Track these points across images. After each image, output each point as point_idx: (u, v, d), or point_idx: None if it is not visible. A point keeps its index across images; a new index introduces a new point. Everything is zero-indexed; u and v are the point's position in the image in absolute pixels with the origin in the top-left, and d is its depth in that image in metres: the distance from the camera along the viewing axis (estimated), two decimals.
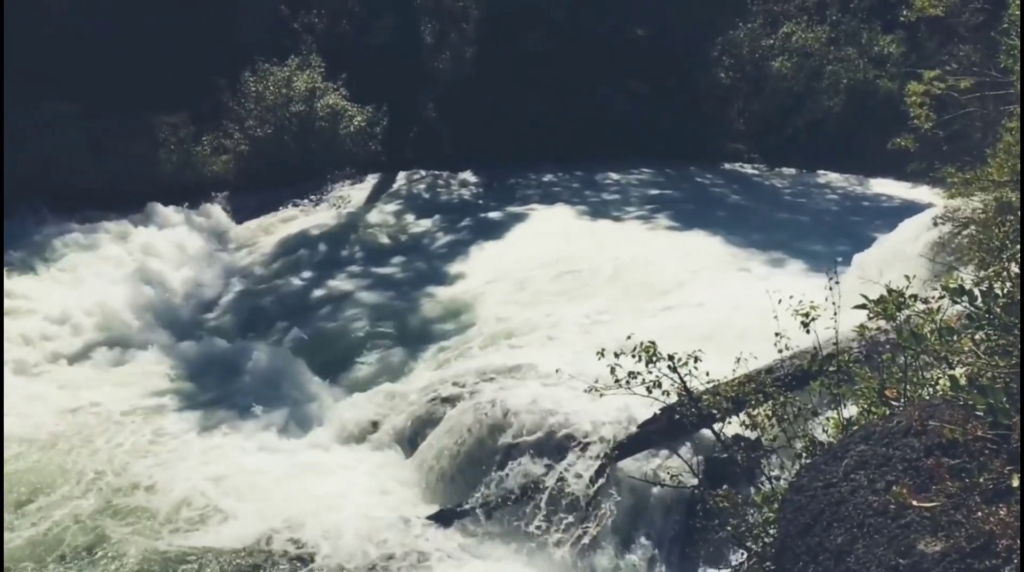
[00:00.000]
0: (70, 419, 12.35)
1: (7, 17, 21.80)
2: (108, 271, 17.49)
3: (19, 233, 18.62)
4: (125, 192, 20.76)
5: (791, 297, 5.47)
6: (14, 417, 12.15)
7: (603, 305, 13.82)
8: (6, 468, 11.01)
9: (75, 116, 21.31)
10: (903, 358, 4.51)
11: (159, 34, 23.19)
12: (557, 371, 8.92)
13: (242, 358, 14.29)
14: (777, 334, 5.59)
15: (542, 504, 9.64)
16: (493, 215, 20.71)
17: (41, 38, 21.96)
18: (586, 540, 9.30)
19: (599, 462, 9.37)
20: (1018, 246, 4.42)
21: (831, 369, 5.09)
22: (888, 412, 4.11)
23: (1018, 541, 2.64)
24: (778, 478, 5.33)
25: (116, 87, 21.87)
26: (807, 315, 5.24)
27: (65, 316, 15.27)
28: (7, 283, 16.24)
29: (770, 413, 5.51)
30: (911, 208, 16.41)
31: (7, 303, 15.48)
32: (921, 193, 20.30)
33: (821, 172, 25.03)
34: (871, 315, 4.57)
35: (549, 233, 18.77)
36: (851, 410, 4.83)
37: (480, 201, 22.36)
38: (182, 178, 22.03)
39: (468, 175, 24.59)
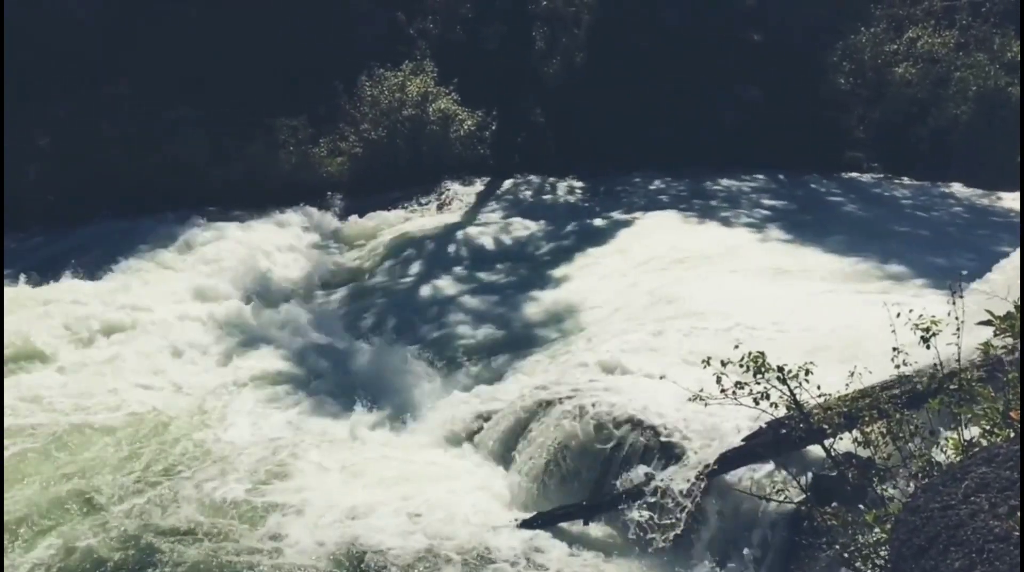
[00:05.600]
0: (177, 408, 12.92)
1: (145, 24, 23.18)
2: (225, 268, 18.29)
3: (145, 231, 19.73)
4: (244, 192, 21.73)
5: (911, 311, 5.26)
6: (130, 402, 12.91)
7: (709, 314, 13.57)
8: (120, 444, 11.64)
9: (198, 120, 22.46)
10: None
11: (280, 40, 24.21)
12: (661, 378, 8.82)
13: (349, 355, 14.71)
14: (895, 349, 5.38)
15: (642, 512, 9.56)
16: (599, 221, 20.65)
17: (172, 46, 23.24)
18: (686, 551, 9.17)
19: (702, 473, 9.22)
20: None
21: (952, 387, 4.86)
22: (1012, 434, 3.91)
23: None
24: (891, 498, 5.12)
25: (238, 91, 22.95)
26: (927, 330, 5.02)
27: (184, 311, 16.02)
28: (136, 277, 17.14)
29: (885, 431, 5.30)
30: None
31: (131, 294, 16.42)
32: None
33: (946, 183, 23.87)
34: (997, 332, 4.36)
35: (655, 240, 18.56)
36: (972, 431, 4.61)
37: (586, 206, 22.33)
38: (299, 179, 22.87)
39: (574, 180, 24.58)
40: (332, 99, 24.11)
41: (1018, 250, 11.86)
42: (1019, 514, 2.76)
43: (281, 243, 19.97)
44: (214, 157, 22.28)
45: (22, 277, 17.16)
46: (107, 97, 22.45)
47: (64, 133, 21.73)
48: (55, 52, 22.29)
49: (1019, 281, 8.56)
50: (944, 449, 4.70)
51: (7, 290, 16.34)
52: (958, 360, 5.05)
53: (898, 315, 5.30)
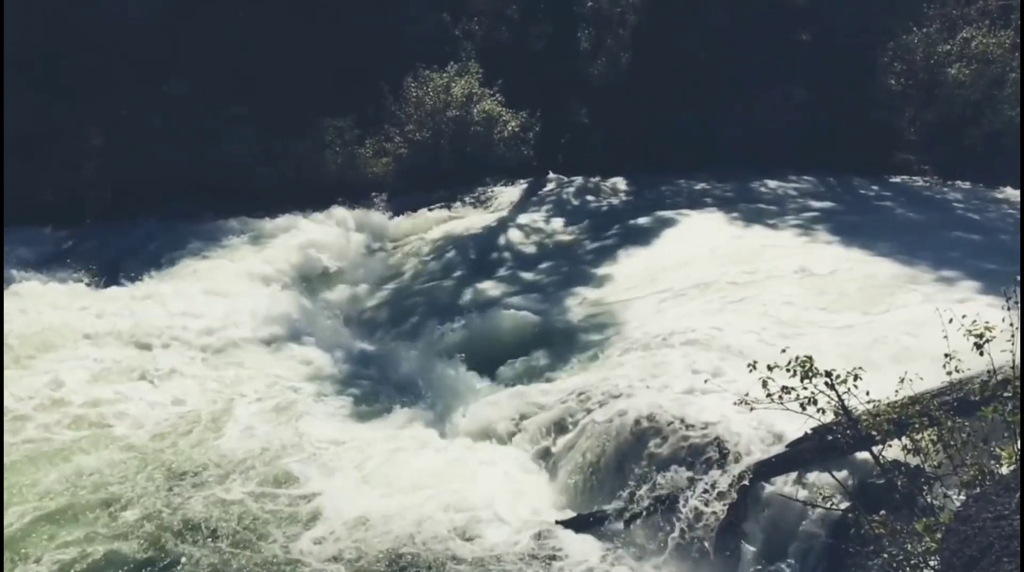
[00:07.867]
0: (219, 408, 12.96)
1: (198, 25, 23.62)
2: (270, 266, 18.54)
3: (192, 228, 20.08)
4: (292, 191, 22.03)
5: (963, 317, 5.15)
6: (169, 402, 13.03)
7: (754, 317, 13.42)
8: (151, 449, 11.70)
9: (248, 119, 22.83)
10: None
11: (327, 41, 24.51)
12: (705, 381, 8.76)
13: (391, 355, 14.82)
14: (947, 355, 5.27)
15: (682, 517, 9.48)
16: (642, 222, 20.52)
17: (224, 46, 23.66)
18: (728, 557, 9.07)
19: (745, 478, 9.12)
20: None
21: (1006, 395, 4.75)
22: None
23: None
24: (941, 507, 5.02)
25: (286, 92, 23.29)
26: (981, 336, 4.91)
27: (225, 309, 16.08)
28: (183, 275, 17.42)
29: (935, 438, 5.20)
30: None
31: (171, 292, 16.68)
32: None
33: (1000, 187, 23.29)
34: None
35: (700, 242, 18.40)
36: None
37: (629, 208, 22.21)
38: (345, 178, 23.15)
39: (618, 181, 24.49)
40: (378, 100, 24.34)
41: None
42: (1020, 515, 2.69)
43: (326, 242, 20.21)
44: (263, 156, 22.63)
45: (68, 271, 17.61)
46: (161, 96, 22.95)
47: (119, 131, 22.25)
48: (110, 52, 22.82)
49: None
50: (997, 458, 4.59)
51: (52, 286, 16.71)
52: (1013, 367, 4.93)
53: (950, 321, 5.20)
